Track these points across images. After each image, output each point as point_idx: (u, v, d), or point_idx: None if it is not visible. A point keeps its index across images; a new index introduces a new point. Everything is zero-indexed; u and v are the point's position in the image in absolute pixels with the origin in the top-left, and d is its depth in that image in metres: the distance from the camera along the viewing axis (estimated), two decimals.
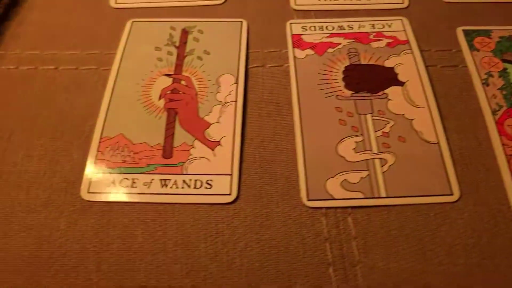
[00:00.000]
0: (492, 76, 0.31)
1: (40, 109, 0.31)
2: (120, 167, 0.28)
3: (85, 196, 0.27)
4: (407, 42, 0.33)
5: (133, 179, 0.27)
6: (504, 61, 0.32)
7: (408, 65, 0.32)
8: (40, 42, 0.35)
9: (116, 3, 0.37)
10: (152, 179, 0.27)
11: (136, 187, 0.27)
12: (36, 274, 0.25)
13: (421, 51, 0.33)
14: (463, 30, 0.34)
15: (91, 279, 0.24)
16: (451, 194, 0.27)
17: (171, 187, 0.27)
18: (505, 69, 0.32)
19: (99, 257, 0.25)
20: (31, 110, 0.31)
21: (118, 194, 0.27)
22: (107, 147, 0.29)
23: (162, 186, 0.27)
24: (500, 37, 0.33)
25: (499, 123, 0.29)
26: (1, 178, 0.28)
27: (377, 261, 0.25)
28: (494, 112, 0.30)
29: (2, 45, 0.35)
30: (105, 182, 0.27)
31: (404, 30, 0.34)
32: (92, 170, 0.28)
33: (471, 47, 0.33)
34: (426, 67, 0.32)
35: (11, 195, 0.27)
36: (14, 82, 0.32)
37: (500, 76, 0.31)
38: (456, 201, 0.26)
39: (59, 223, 0.26)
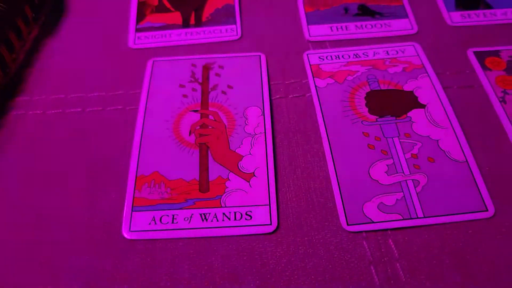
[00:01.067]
0: (508, 94, 0.33)
1: (71, 152, 0.31)
2: (159, 203, 0.28)
3: (127, 235, 0.27)
4: (422, 66, 0.35)
5: (173, 215, 0.28)
6: None
7: (426, 88, 0.33)
8: (63, 86, 0.35)
9: (134, 43, 0.38)
10: (192, 214, 0.28)
11: (177, 222, 0.27)
12: None
13: (437, 73, 0.34)
14: (474, 52, 0.36)
15: None
16: (486, 210, 0.27)
17: (211, 221, 0.27)
18: None
19: None
20: (63, 153, 0.31)
21: (159, 231, 0.27)
22: (143, 185, 0.29)
23: (203, 220, 0.27)
24: (510, 56, 0.35)
25: None
26: (41, 221, 0.28)
27: (423, 281, 0.25)
28: None
29: (26, 92, 0.35)
30: (145, 220, 0.27)
31: (417, 55, 0.36)
32: (132, 209, 0.28)
33: (484, 67, 0.34)
34: (444, 88, 0.33)
35: (53, 238, 0.27)
36: (42, 126, 0.33)
37: None
38: (492, 217, 0.27)
39: (104, 263, 0.26)
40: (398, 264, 0.26)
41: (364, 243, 0.27)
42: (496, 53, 0.35)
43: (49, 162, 0.31)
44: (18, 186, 0.30)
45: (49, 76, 0.36)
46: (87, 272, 0.26)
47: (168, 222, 0.27)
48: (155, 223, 0.27)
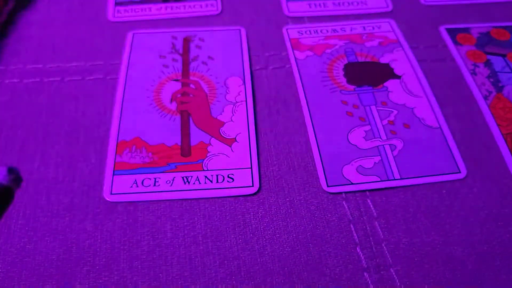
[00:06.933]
0: (478, 66, 0.34)
1: (50, 119, 0.31)
2: (140, 167, 0.28)
3: (108, 197, 0.27)
4: (397, 41, 0.36)
5: (155, 178, 0.28)
6: (487, 53, 0.35)
7: (401, 61, 0.34)
8: (41, 56, 0.35)
9: (114, 17, 0.38)
10: (174, 177, 0.28)
11: (158, 185, 0.27)
12: (67, 276, 0.24)
13: (411, 48, 0.35)
14: (446, 28, 0.37)
15: (124, 276, 0.24)
16: (459, 172, 0.28)
17: (194, 183, 0.28)
18: (488, 60, 0.34)
19: (130, 255, 0.25)
20: (41, 120, 0.31)
21: (141, 193, 0.27)
22: (124, 150, 0.29)
23: (185, 183, 0.28)
24: (479, 33, 0.36)
25: (491, 107, 0.31)
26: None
27: (400, 238, 0.26)
28: (485, 98, 0.32)
29: (1, 61, 0.34)
30: (127, 183, 0.27)
31: (392, 31, 0.37)
32: (113, 172, 0.28)
33: (455, 42, 0.36)
34: (418, 61, 0.34)
35: (30, 202, 0.27)
36: (19, 94, 0.32)
37: (485, 66, 0.34)
38: (464, 178, 0.28)
39: (85, 225, 0.26)
40: (376, 222, 0.27)
41: (344, 203, 0.27)
42: (466, 30, 0.37)
43: (26, 128, 0.30)
44: None
45: (25, 47, 0.35)
46: (66, 233, 0.26)
47: (150, 185, 0.27)
48: (137, 186, 0.27)
